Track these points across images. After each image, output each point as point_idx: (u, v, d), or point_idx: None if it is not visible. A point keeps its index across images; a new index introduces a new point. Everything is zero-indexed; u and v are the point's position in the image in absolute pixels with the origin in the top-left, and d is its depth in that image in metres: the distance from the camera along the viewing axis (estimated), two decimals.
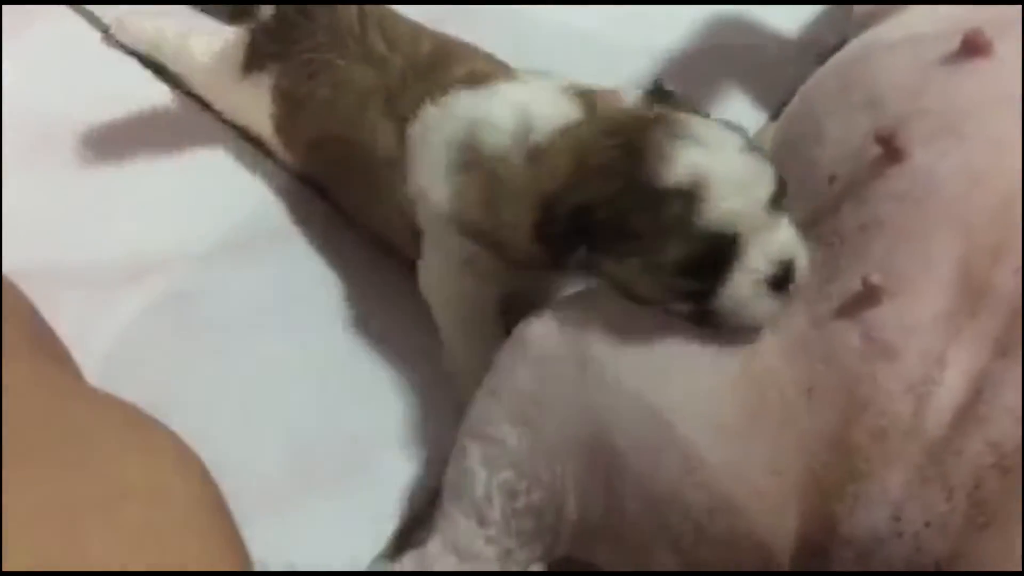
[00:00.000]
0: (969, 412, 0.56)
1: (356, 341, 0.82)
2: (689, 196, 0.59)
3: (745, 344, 0.62)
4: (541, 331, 0.66)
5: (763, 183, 0.61)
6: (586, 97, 0.69)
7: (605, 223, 0.61)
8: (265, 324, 0.82)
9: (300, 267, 0.85)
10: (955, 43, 0.66)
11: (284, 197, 0.88)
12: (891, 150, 0.62)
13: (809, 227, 0.64)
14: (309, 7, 0.80)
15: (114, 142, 0.90)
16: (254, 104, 0.83)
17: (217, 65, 0.86)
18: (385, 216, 0.78)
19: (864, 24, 0.86)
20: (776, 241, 0.61)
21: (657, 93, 0.69)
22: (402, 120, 0.74)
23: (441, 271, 0.76)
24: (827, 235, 0.64)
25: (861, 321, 0.59)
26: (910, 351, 0.57)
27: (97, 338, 0.80)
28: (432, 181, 0.72)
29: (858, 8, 0.89)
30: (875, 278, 0.58)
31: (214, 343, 0.81)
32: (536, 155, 0.66)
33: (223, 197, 0.87)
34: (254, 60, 0.83)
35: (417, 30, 0.80)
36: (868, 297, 0.59)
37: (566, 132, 0.66)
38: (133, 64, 0.95)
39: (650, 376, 0.61)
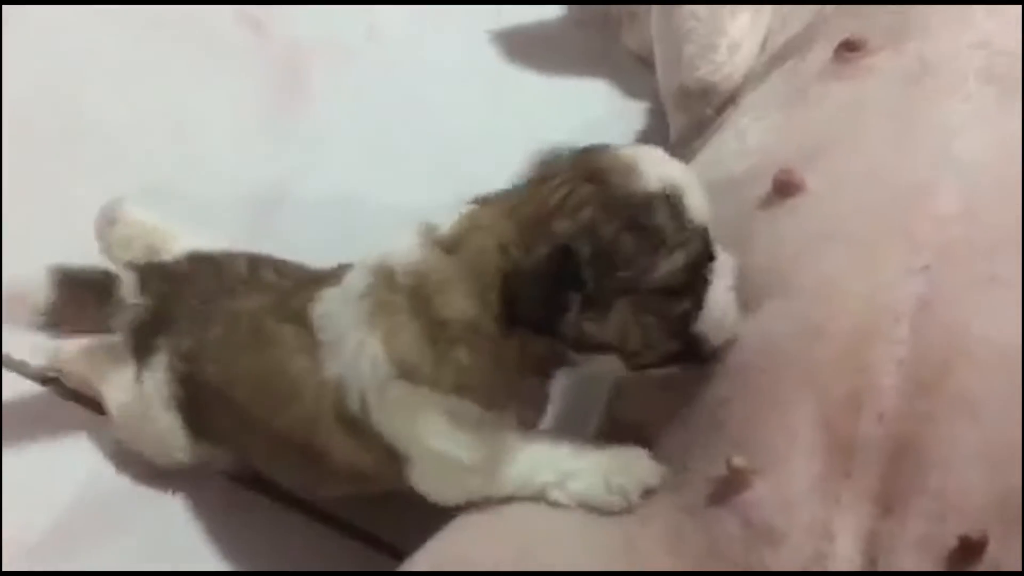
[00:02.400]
0: None
1: None
2: (672, 200, 0.59)
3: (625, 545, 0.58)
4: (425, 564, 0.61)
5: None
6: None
7: (592, 258, 0.57)
8: None
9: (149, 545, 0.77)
10: (767, 184, 0.65)
11: (120, 467, 0.80)
12: None
13: None
14: (184, 276, 0.74)
15: None
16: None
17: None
18: (339, 459, 0.65)
19: (685, 141, 0.85)
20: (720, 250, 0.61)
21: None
22: (300, 316, 0.66)
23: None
24: (679, 411, 0.60)
25: (736, 506, 0.55)
26: (794, 529, 0.54)
27: None
28: (357, 339, 0.62)
29: (674, 132, 0.89)
30: (738, 460, 0.55)
31: None
32: (454, 244, 0.61)
33: (48, 480, 0.79)
34: (141, 348, 0.74)
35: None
36: (736, 480, 0.55)
37: (473, 214, 0.62)
38: None
39: None
